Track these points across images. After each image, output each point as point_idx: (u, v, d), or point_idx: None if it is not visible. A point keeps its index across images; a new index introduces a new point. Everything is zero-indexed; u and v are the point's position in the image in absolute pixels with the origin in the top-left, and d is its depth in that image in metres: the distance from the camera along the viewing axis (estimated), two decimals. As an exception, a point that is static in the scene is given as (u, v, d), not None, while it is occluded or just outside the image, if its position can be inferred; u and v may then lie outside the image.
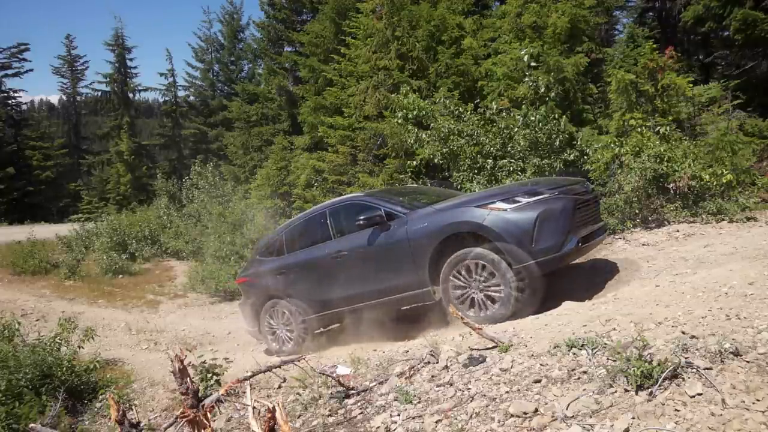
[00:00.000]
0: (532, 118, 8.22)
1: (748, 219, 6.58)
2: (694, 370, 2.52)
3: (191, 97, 28.46)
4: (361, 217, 5.32)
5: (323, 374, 4.00)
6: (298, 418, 3.69)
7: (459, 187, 8.30)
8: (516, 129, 8.42)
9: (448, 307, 4.60)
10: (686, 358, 2.61)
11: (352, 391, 3.73)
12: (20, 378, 5.22)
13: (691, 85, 8.79)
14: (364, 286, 5.49)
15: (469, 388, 3.16)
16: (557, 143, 8.21)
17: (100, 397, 5.61)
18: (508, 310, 4.53)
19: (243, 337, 8.01)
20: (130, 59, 30.15)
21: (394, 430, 3.05)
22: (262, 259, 6.83)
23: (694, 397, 2.39)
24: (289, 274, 6.22)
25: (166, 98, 29.33)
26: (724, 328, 2.85)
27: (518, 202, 4.64)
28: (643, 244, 6.35)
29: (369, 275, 5.43)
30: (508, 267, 4.52)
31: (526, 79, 9.20)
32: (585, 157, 8.13)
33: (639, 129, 7.83)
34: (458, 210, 4.90)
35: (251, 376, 3.33)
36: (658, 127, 7.86)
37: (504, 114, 8.92)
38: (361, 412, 3.43)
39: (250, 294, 6.82)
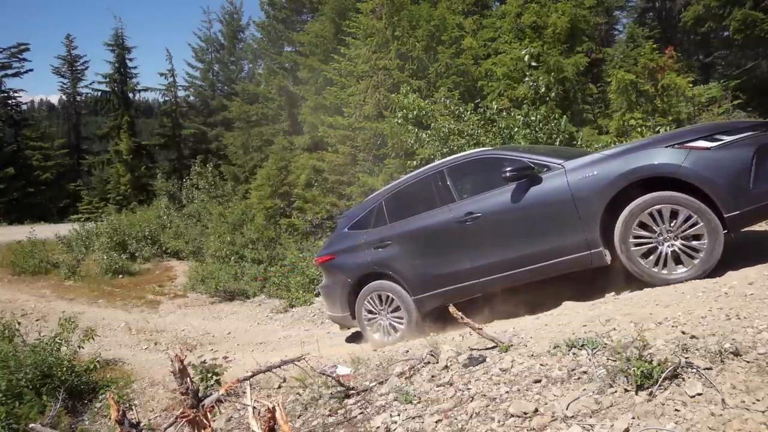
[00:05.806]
0: (532, 118, 8.23)
1: (748, 219, 6.56)
2: (694, 370, 2.52)
3: (191, 97, 28.48)
4: (509, 168, 4.46)
5: (323, 374, 4.00)
6: (298, 418, 3.69)
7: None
8: (516, 129, 8.41)
9: (631, 267, 4.08)
10: (686, 358, 2.61)
11: (352, 391, 3.73)
12: (20, 378, 5.21)
13: (691, 85, 8.81)
14: (506, 252, 4.71)
15: (469, 388, 3.16)
16: (557, 143, 8.21)
17: (100, 397, 5.61)
18: (708, 266, 3.87)
19: (243, 337, 8.02)
20: (130, 59, 30.28)
21: (394, 430, 3.04)
22: (352, 232, 6.00)
23: (694, 397, 2.39)
24: (396, 246, 5.42)
25: (166, 98, 29.42)
26: (724, 328, 2.84)
27: (721, 140, 3.94)
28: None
29: (514, 239, 4.67)
30: (715, 214, 3.82)
31: (526, 79, 9.22)
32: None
33: (639, 129, 7.84)
34: (642, 153, 4.11)
35: (251, 376, 3.33)
36: (658, 127, 7.87)
37: (504, 114, 8.93)
38: (361, 412, 3.43)
39: (337, 273, 6.00)
